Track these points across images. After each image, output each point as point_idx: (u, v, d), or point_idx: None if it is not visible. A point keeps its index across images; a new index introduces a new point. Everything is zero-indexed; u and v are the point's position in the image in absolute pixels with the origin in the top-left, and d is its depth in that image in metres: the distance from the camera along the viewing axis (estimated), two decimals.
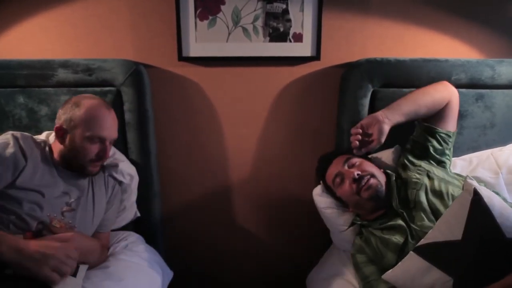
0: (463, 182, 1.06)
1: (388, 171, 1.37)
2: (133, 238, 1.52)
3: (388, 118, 1.28)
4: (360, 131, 1.29)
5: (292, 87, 1.66)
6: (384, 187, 1.28)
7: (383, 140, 1.28)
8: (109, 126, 1.29)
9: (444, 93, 1.36)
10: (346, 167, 1.33)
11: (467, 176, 1.02)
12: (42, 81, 1.50)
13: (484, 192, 0.96)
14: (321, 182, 1.45)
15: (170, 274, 1.55)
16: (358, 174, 1.26)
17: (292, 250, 1.88)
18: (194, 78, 1.65)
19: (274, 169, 1.77)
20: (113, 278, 1.22)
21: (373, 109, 1.53)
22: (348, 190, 1.29)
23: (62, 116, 1.26)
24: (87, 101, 1.27)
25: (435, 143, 1.36)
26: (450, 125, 1.38)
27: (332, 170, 1.35)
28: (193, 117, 1.70)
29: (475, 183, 0.98)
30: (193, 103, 1.68)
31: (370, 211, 1.31)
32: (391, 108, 1.32)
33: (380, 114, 1.30)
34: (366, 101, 1.52)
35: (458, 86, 1.47)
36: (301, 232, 1.85)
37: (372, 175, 1.28)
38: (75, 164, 1.27)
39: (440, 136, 1.36)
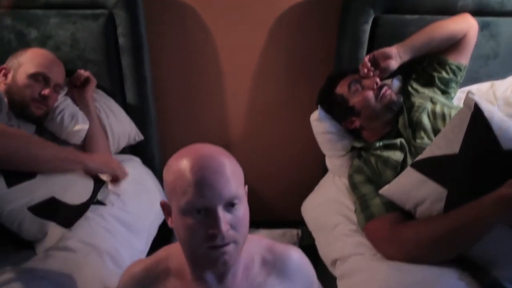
0: None
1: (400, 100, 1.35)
2: (139, 165, 1.53)
3: (400, 56, 1.31)
4: (368, 64, 1.31)
5: (291, 12, 1.60)
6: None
7: (386, 75, 1.33)
8: (56, 69, 1.28)
9: (463, 25, 1.34)
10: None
11: (469, 91, 1.01)
12: (30, 1, 1.43)
13: (485, 107, 0.95)
14: (320, 105, 1.43)
15: None
16: (379, 82, 1.29)
17: (287, 182, 1.90)
18: (189, 1, 1.58)
19: (272, 98, 1.75)
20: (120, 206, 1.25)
21: (373, 36, 1.48)
22: (368, 96, 1.28)
23: (9, 61, 1.26)
24: (36, 48, 1.30)
25: (443, 73, 1.36)
26: (463, 58, 1.37)
27: (348, 79, 1.34)
28: (188, 43, 1.65)
29: (476, 98, 0.97)
30: (188, 29, 1.62)
31: (380, 125, 1.31)
32: (405, 44, 1.33)
33: (393, 50, 1.31)
34: (367, 27, 1.46)
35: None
36: (296, 163, 1.86)
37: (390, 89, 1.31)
38: (17, 104, 1.21)
39: (450, 68, 1.36)
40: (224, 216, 0.68)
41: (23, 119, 1.23)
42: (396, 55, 1.31)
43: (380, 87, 1.28)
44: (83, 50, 1.46)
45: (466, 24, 1.35)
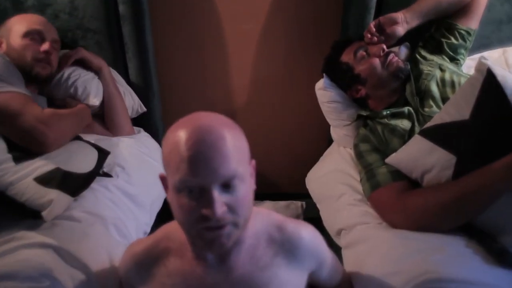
0: None
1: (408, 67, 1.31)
2: (146, 137, 1.52)
3: (407, 21, 1.26)
4: (373, 30, 1.26)
5: None
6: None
7: (392, 42, 1.27)
8: (47, 25, 1.25)
9: None
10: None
11: (481, 56, 0.97)
12: None
13: (498, 71, 0.92)
14: (325, 73, 1.40)
15: None
16: (386, 49, 1.25)
17: (292, 155, 1.89)
18: None
19: (276, 67, 1.71)
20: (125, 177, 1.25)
21: (381, 2, 1.44)
22: (374, 63, 1.25)
23: None
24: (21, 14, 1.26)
25: (452, 39, 1.31)
26: (473, 22, 1.32)
27: (354, 46, 1.31)
28: (190, 12, 1.60)
29: (489, 63, 0.93)
30: None
31: (386, 94, 1.29)
32: (412, 9, 1.27)
33: (400, 15, 1.25)
34: None
35: None
36: (301, 135, 1.84)
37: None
38: (21, 69, 1.16)
39: (459, 33, 1.31)
40: (219, 197, 0.62)
41: (31, 81, 1.21)
42: (403, 21, 1.26)
43: (387, 54, 1.24)
44: (82, 18, 1.42)
45: None
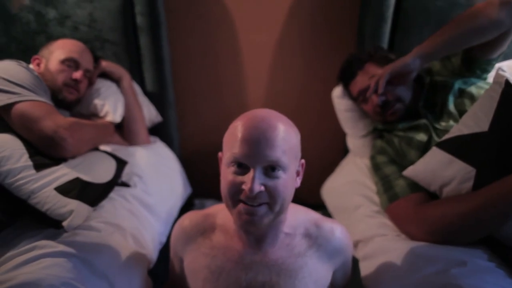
0: None
1: (422, 74, 1.28)
2: (162, 147, 1.54)
3: (420, 65, 1.13)
4: (374, 89, 1.17)
5: None
6: (409, 103, 1.22)
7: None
8: (85, 55, 1.32)
9: (503, 18, 1.02)
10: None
11: (499, 68, 0.96)
12: None
13: None
14: (342, 84, 1.40)
15: (188, 190, 1.56)
16: (382, 101, 1.21)
17: (308, 165, 1.87)
18: None
19: (292, 76, 1.72)
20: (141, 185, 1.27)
21: (398, 11, 1.42)
22: (372, 110, 1.27)
23: (41, 51, 1.30)
24: (66, 38, 1.35)
25: (472, 78, 1.18)
26: (498, 51, 1.12)
27: (358, 83, 1.28)
28: (206, 23, 1.62)
29: (507, 75, 0.92)
30: (206, 8, 1.59)
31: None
32: (426, 53, 1.10)
33: (412, 61, 1.11)
34: (391, 2, 1.40)
35: None
36: (316, 145, 1.84)
37: (398, 99, 1.20)
38: (50, 90, 1.22)
39: (480, 68, 1.16)
40: (259, 177, 0.71)
41: (57, 105, 1.25)
42: (414, 68, 1.13)
43: (384, 106, 1.21)
44: (101, 30, 1.45)
45: (505, 14, 1.02)
